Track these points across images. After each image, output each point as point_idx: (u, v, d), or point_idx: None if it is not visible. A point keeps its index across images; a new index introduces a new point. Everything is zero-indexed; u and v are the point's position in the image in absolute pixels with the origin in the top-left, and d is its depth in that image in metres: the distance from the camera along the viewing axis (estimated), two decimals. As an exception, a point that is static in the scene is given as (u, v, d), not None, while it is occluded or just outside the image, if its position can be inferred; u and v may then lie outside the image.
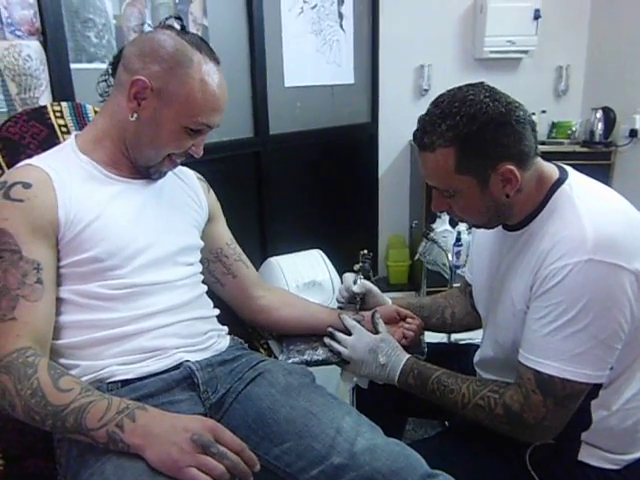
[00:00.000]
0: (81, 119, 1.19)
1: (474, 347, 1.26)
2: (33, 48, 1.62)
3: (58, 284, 0.93)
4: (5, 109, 1.59)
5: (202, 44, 0.97)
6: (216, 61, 0.98)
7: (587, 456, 0.99)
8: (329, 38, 2.75)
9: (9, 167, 1.05)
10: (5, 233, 0.87)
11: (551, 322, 0.90)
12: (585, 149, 3.10)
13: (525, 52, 3.19)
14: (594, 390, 0.93)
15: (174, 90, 0.94)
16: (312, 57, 2.69)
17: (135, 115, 0.96)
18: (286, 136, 2.58)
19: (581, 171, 1.02)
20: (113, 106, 1.00)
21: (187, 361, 0.98)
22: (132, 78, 0.94)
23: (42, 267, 0.89)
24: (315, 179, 2.83)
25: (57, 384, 0.80)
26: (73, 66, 1.74)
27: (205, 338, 1.04)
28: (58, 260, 0.93)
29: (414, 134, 0.97)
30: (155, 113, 0.95)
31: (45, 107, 1.17)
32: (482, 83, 0.95)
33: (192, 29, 2.03)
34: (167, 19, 1.01)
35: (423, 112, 0.98)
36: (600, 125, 3.06)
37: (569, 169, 1.01)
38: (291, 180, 2.69)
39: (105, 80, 1.04)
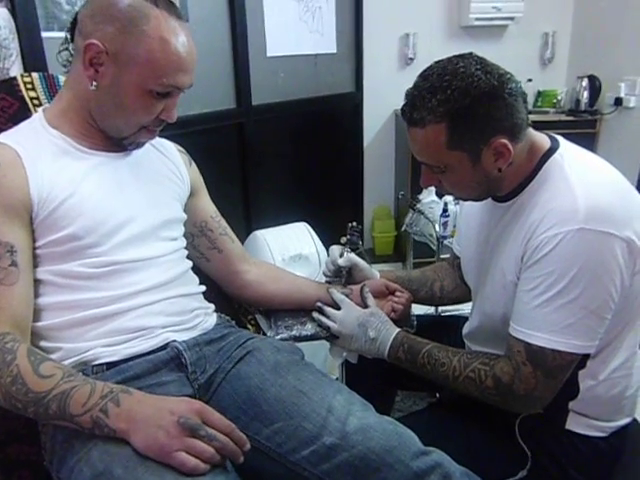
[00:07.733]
0: (53, 91, 1.13)
1: (463, 319, 1.26)
2: (1, 15, 1.54)
3: (35, 265, 0.89)
4: (-27, 81, 1.52)
5: None
6: (177, 16, 0.90)
7: (574, 424, 1.00)
8: (311, 5, 2.67)
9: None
10: None
11: (542, 293, 0.89)
12: (570, 118, 3.09)
13: (511, 19, 3.15)
14: (582, 360, 0.94)
15: (131, 51, 0.87)
16: (294, 26, 2.61)
17: (94, 83, 0.89)
18: (269, 107, 2.53)
19: (566, 140, 1.00)
20: (74, 76, 0.93)
21: (174, 341, 0.96)
22: (85, 42, 0.87)
23: (16, 249, 0.85)
24: (299, 150, 2.79)
25: (38, 370, 0.78)
26: (44, 34, 1.66)
27: (192, 316, 1.02)
28: (34, 240, 0.89)
29: (402, 109, 0.94)
30: (115, 79, 0.89)
31: (15, 78, 1.11)
32: (471, 54, 0.92)
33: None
34: None
35: (409, 82, 0.94)
36: (585, 93, 3.05)
37: (560, 139, 1.00)
38: (275, 151, 2.64)
39: (67, 48, 0.97)
